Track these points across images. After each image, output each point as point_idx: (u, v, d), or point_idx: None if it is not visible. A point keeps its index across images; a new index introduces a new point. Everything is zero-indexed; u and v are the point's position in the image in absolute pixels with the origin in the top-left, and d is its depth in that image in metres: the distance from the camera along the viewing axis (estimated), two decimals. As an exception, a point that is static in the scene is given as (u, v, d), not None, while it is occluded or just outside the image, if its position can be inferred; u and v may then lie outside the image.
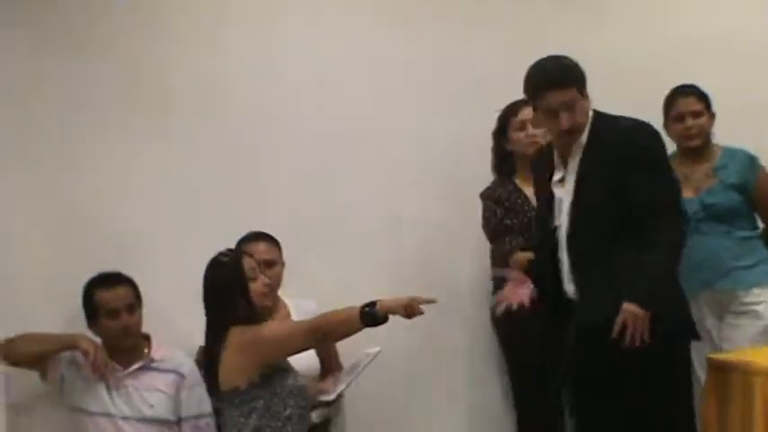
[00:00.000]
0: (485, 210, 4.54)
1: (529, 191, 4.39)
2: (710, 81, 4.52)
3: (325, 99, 4.69)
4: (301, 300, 4.17)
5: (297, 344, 3.66)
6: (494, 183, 4.59)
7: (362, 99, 4.74)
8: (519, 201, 4.47)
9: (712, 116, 4.48)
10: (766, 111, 4.91)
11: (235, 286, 3.71)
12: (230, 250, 3.87)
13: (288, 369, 3.75)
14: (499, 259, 4.52)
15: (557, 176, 3.80)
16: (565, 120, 3.65)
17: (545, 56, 3.75)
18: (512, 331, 4.53)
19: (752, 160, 4.46)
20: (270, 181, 4.61)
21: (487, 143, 4.62)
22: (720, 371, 3.74)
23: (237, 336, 3.68)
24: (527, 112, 4.43)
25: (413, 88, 4.81)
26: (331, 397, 4.03)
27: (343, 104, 4.71)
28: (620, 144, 3.65)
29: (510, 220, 4.46)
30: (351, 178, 4.72)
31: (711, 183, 4.40)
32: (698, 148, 4.45)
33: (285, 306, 4.30)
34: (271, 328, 3.71)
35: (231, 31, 4.63)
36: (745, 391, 3.62)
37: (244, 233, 4.30)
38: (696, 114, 4.45)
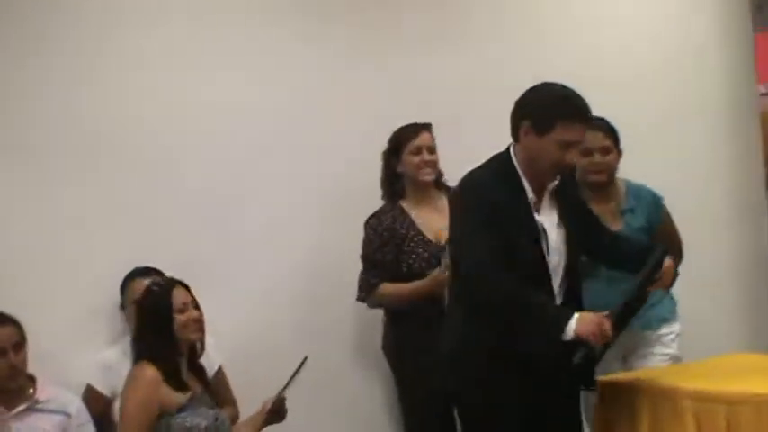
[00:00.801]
0: (364, 237, 4.57)
1: (416, 214, 4.49)
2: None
3: (217, 136, 4.64)
4: None
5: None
6: (382, 208, 4.59)
7: (253, 138, 4.71)
8: (403, 227, 4.49)
9: (620, 153, 4.30)
10: (650, 137, 5.00)
11: (159, 316, 3.79)
12: (165, 279, 3.95)
13: (175, 412, 3.76)
14: (360, 289, 4.58)
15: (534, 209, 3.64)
16: (573, 157, 3.58)
17: (560, 82, 3.57)
18: (403, 363, 4.56)
19: (657, 201, 4.37)
20: (162, 218, 4.51)
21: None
22: (609, 392, 3.75)
23: (134, 371, 3.77)
24: (425, 137, 4.52)
25: (302, 126, 4.79)
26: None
27: (236, 143, 4.67)
28: (575, 182, 3.79)
29: (383, 255, 4.49)
30: (245, 216, 4.66)
31: (618, 227, 4.23)
32: (603, 184, 4.27)
33: None
34: (130, 401, 3.74)
35: (126, 67, 4.54)
36: (632, 412, 3.61)
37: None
38: (605, 150, 4.26)
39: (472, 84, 4.96)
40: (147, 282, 4.07)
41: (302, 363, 3.87)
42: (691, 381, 3.55)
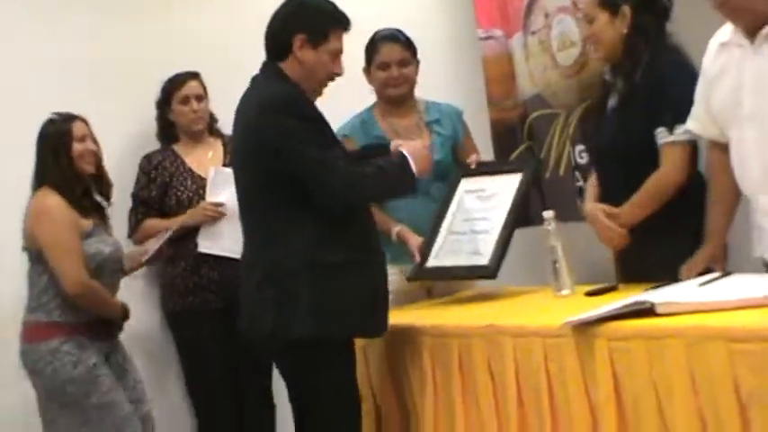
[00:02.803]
0: (136, 177, 4.74)
1: (189, 158, 4.70)
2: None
3: None
4: None
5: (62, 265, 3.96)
6: (154, 150, 4.79)
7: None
8: (173, 165, 4.68)
9: (418, 64, 4.33)
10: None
11: (59, 144, 4.04)
12: (66, 113, 4.12)
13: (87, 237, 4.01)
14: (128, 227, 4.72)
15: None
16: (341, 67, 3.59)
17: None
18: (187, 333, 4.69)
19: (459, 113, 4.43)
20: None
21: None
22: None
23: (38, 199, 4.03)
24: (192, 86, 4.71)
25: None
26: (148, 256, 4.42)
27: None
28: None
29: (149, 191, 4.68)
30: None
31: (428, 138, 4.23)
32: (403, 97, 4.30)
33: None
34: (51, 229, 3.96)
35: None
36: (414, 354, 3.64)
37: None
38: (404, 63, 4.28)
39: (242, 33, 4.89)
40: None
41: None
42: (429, 317, 3.74)
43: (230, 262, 4.38)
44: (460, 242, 3.94)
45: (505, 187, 3.93)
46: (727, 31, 3.33)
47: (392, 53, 4.26)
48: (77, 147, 4.06)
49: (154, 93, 4.76)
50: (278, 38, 3.50)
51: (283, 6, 3.54)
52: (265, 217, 3.45)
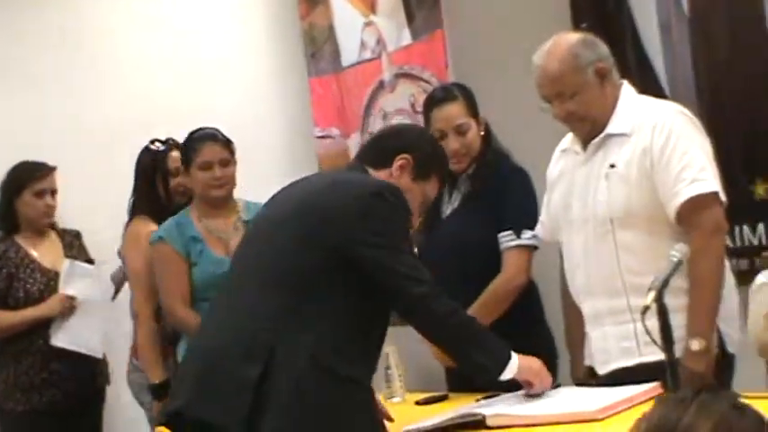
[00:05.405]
0: None
1: (32, 248, 4.54)
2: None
3: None
4: None
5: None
6: None
7: None
8: (18, 256, 4.52)
9: (235, 163, 4.12)
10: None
11: (152, 173, 4.22)
12: (167, 140, 4.30)
13: None
14: None
15: None
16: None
17: None
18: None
19: None
20: None
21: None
22: None
23: (132, 228, 4.21)
24: (51, 180, 4.55)
25: None
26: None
27: None
28: None
29: None
30: None
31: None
32: (224, 199, 4.08)
33: None
34: (137, 259, 4.13)
35: None
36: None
37: None
38: (224, 163, 4.05)
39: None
40: None
41: None
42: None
43: (83, 358, 4.44)
44: None
45: None
46: (567, 138, 3.39)
47: (214, 153, 4.03)
48: (172, 181, 4.24)
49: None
50: (385, 144, 3.16)
51: (410, 125, 3.38)
52: (284, 299, 2.88)
